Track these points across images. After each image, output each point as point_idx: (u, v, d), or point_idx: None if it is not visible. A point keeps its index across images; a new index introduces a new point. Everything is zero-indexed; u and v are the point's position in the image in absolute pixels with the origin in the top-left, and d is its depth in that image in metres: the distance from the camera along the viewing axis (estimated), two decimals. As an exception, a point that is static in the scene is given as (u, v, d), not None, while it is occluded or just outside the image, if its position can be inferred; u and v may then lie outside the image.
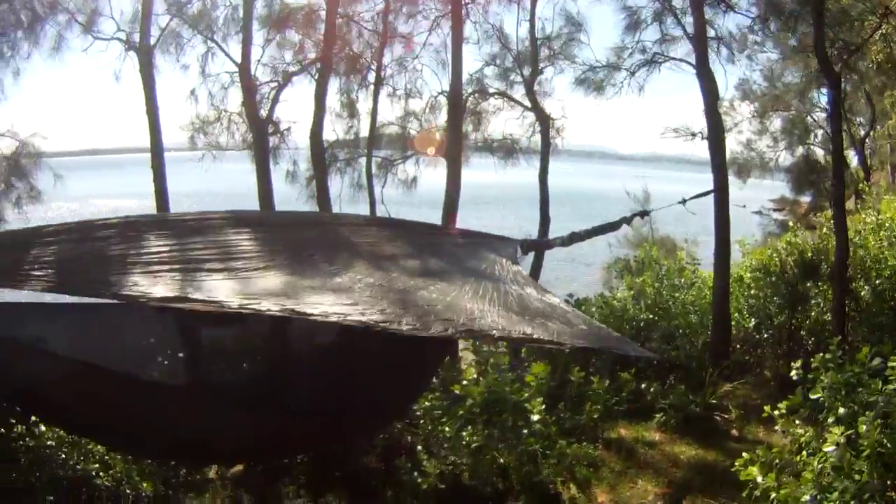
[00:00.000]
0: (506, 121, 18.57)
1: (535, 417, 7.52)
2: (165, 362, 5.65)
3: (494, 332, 4.31)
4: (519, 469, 7.35)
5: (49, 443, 7.14)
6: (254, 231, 5.33)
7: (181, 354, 5.68)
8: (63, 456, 7.25)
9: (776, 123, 25.40)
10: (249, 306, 3.88)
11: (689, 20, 13.45)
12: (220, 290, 4.14)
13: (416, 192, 18.38)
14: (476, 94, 17.50)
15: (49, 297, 4.74)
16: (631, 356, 9.05)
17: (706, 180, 12.38)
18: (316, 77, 15.61)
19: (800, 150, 25.85)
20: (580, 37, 16.38)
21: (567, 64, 16.53)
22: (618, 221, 7.59)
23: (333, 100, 17.33)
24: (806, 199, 28.09)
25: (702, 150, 13.81)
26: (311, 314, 3.93)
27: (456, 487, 7.26)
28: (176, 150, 18.13)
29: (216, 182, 33.24)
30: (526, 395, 7.64)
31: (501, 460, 7.39)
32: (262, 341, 5.80)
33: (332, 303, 4.17)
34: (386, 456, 7.86)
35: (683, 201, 8.31)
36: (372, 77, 17.85)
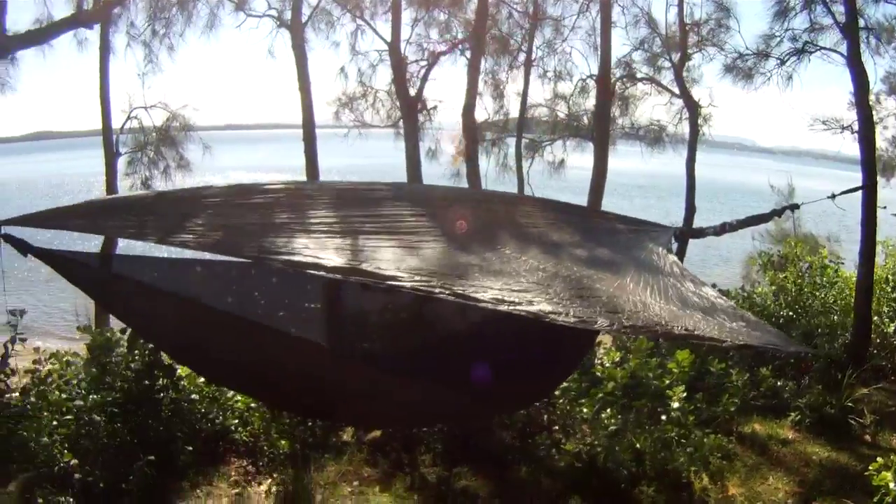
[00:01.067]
0: (653, 107, 18.46)
1: (675, 405, 7.58)
2: (315, 321, 5.77)
3: (658, 327, 4.25)
4: (654, 455, 7.41)
5: (192, 396, 7.55)
6: (417, 205, 5.26)
7: (332, 315, 5.78)
8: (203, 409, 7.69)
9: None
10: (421, 288, 3.84)
11: (839, 9, 13.05)
12: (390, 263, 4.12)
13: (561, 176, 18.38)
14: (624, 79, 17.37)
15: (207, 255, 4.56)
16: (792, 353, 8.88)
17: (848, 178, 12.02)
18: (468, 56, 15.94)
19: (945, 150, 24.46)
20: (728, 23, 16.21)
21: (715, 51, 16.33)
22: (768, 214, 7.47)
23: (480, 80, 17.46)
24: (949, 203, 26.55)
25: (846, 145, 13.41)
26: (482, 300, 3.90)
27: (590, 468, 7.32)
28: (318, 127, 18.71)
29: (359, 158, 33.77)
30: (668, 381, 7.71)
31: (637, 445, 7.46)
32: (415, 309, 5.77)
33: (501, 287, 4.12)
34: (523, 432, 8.00)
35: (833, 196, 8.14)
36: (520, 58, 18.03)
